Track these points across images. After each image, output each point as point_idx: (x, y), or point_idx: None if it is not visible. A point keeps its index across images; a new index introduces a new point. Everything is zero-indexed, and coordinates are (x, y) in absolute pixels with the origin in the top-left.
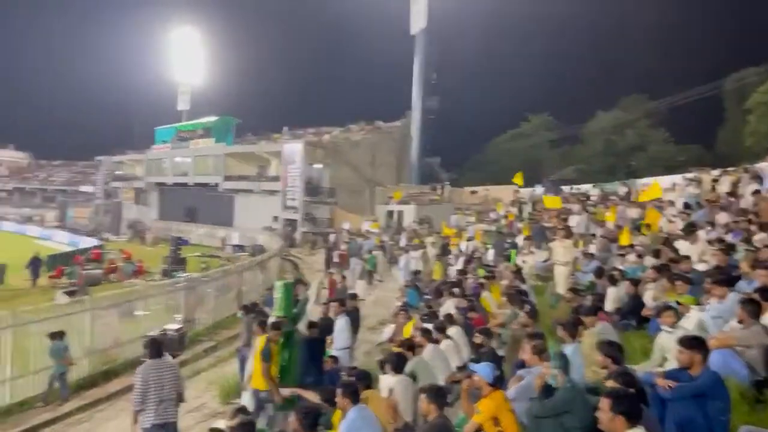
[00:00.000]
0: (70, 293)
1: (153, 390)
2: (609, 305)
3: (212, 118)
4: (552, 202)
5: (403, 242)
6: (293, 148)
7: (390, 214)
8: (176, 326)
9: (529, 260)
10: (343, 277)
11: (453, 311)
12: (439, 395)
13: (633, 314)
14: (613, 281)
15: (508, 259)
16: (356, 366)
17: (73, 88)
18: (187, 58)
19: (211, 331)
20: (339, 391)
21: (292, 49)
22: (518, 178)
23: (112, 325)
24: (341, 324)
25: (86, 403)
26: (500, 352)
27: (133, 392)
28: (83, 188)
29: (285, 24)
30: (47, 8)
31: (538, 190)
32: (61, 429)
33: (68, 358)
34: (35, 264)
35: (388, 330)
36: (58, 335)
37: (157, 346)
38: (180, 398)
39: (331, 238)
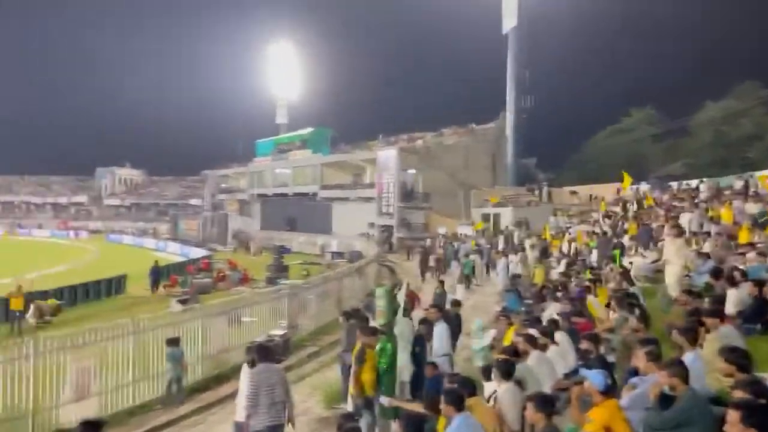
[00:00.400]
0: (183, 301)
1: (264, 393)
2: (730, 308)
3: (308, 130)
4: (650, 201)
5: (500, 246)
6: (387, 154)
7: (486, 217)
8: (281, 332)
9: (637, 261)
10: (441, 282)
11: (556, 316)
12: (547, 403)
13: (757, 318)
14: (734, 282)
15: (613, 260)
16: (458, 373)
17: (179, 109)
18: (283, 73)
19: (314, 336)
20: (443, 398)
21: (383, 57)
22: (625, 181)
23: (221, 331)
24: (440, 330)
25: (200, 406)
26: (609, 359)
27: (240, 396)
28: (192, 201)
29: (375, 33)
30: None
31: (644, 187)
32: (178, 431)
33: (184, 364)
34: (155, 273)
35: (489, 335)
36: (174, 341)
37: (265, 351)
38: (287, 402)
39: (427, 242)
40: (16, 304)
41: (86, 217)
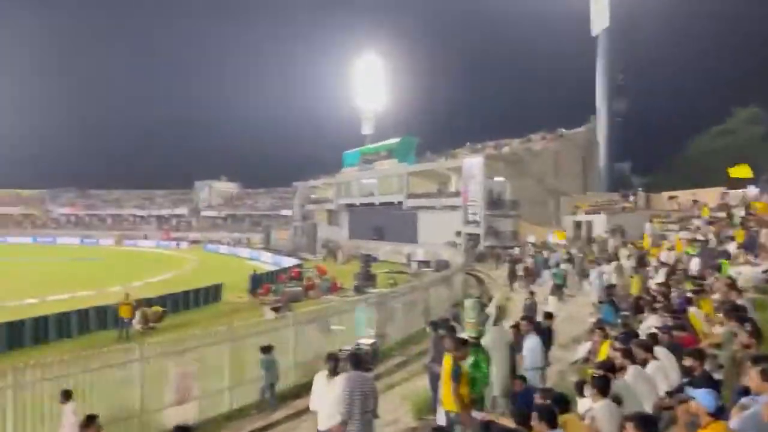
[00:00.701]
0: (276, 309)
1: (358, 400)
2: None
3: (394, 140)
4: (764, 207)
5: (593, 254)
6: (473, 162)
7: (578, 224)
8: (369, 341)
9: (746, 270)
10: (531, 293)
11: (655, 329)
12: (648, 424)
13: None
14: None
15: (718, 269)
16: (551, 388)
17: (272, 123)
18: (369, 85)
19: (401, 345)
20: (535, 414)
21: (468, 64)
22: (741, 170)
23: (312, 339)
24: (532, 343)
25: (292, 413)
26: (716, 376)
27: (316, 404)
28: (284, 212)
29: (460, 40)
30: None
31: (752, 191)
32: None
33: (276, 370)
34: (255, 281)
35: (583, 348)
36: (268, 349)
37: (357, 359)
38: (374, 412)
39: (515, 251)
40: (124, 312)
41: (186, 228)
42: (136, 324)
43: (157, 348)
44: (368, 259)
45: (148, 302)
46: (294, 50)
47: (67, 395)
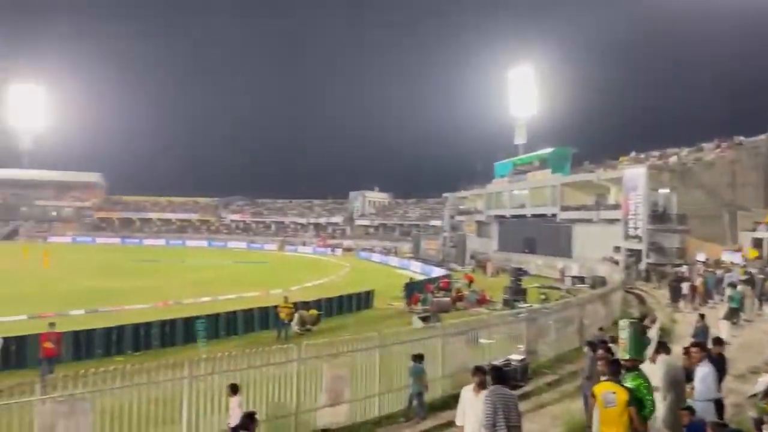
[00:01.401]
0: (424, 319)
1: (501, 415)
2: None
3: (548, 150)
4: None
5: None
6: (635, 173)
7: (758, 242)
8: (519, 357)
9: None
10: (702, 316)
11: None
12: None
13: None
14: None
15: None
16: (725, 423)
17: (424, 135)
18: (522, 94)
19: (553, 363)
20: None
21: (629, 68)
22: None
23: (459, 351)
24: (704, 371)
25: (440, 423)
26: None
27: (463, 418)
28: (433, 222)
29: (619, 42)
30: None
31: None
32: None
33: (425, 380)
34: (410, 289)
35: (762, 381)
36: (419, 357)
37: (499, 373)
38: (518, 429)
39: (683, 269)
40: (283, 314)
41: (341, 236)
42: (294, 326)
43: (313, 350)
44: (519, 273)
45: (306, 305)
46: (450, 64)
47: (234, 389)
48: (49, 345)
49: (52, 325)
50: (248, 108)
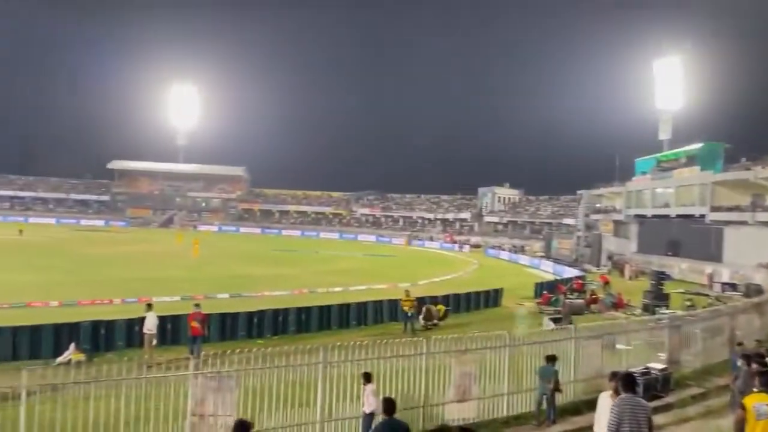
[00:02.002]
0: (556, 320)
1: (627, 425)
2: None
3: (697, 146)
4: None
5: None
6: None
7: None
8: (661, 366)
9: None
10: None
11: None
12: None
13: None
14: None
15: None
16: None
17: (560, 130)
18: (668, 87)
19: (699, 375)
20: None
21: None
22: None
23: (594, 355)
24: None
25: (571, 429)
26: None
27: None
28: (566, 221)
29: None
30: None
31: None
32: None
33: (556, 382)
34: (541, 289)
35: None
36: (552, 358)
37: (630, 380)
38: None
39: None
40: (406, 306)
41: (468, 232)
42: (421, 319)
43: (442, 345)
44: (661, 276)
45: (434, 300)
46: (589, 57)
47: (368, 377)
48: (195, 324)
49: (197, 306)
50: (380, 108)
